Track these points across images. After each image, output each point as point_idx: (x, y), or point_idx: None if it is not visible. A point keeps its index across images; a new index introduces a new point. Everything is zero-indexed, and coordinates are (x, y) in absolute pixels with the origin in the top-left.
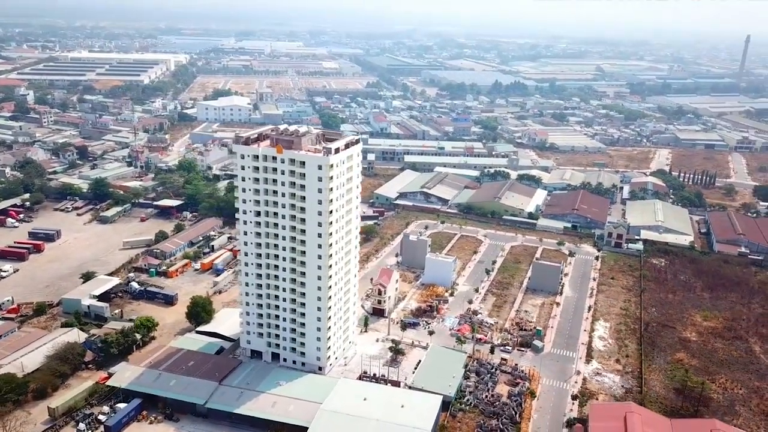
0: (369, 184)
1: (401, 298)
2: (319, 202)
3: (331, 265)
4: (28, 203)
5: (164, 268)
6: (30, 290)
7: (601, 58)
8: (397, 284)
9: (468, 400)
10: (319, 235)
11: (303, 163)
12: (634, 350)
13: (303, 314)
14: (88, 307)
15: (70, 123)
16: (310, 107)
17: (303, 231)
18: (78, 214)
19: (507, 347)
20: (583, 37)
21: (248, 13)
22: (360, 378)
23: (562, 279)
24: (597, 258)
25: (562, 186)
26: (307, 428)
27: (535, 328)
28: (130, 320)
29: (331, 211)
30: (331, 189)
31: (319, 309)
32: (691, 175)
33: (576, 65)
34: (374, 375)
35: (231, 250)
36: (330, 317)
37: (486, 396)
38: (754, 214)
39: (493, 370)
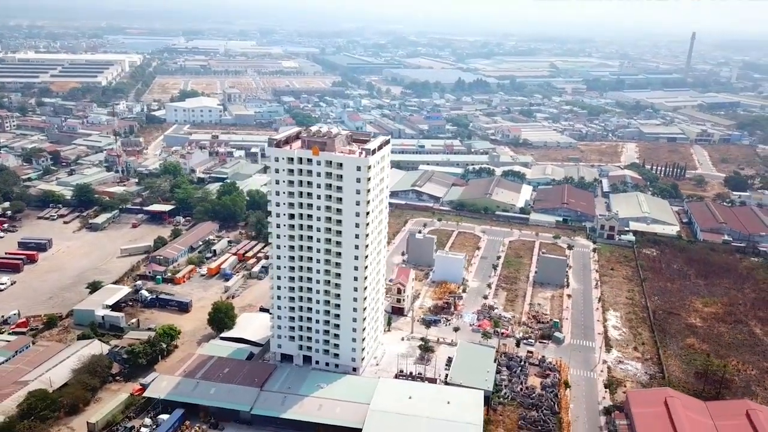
0: None
1: (416, 296)
2: (357, 203)
3: (366, 266)
4: (9, 212)
5: (169, 274)
6: (33, 303)
7: (552, 55)
8: (413, 283)
9: (505, 393)
10: (357, 236)
11: (340, 165)
12: (648, 338)
13: (337, 315)
14: (103, 317)
15: (34, 127)
16: (281, 107)
17: (339, 232)
18: (65, 222)
19: (530, 340)
20: (531, 35)
21: (191, 11)
22: (396, 377)
23: (567, 272)
24: (594, 250)
25: (546, 181)
26: (356, 429)
27: (551, 320)
28: (149, 329)
29: (368, 213)
30: (369, 190)
31: (354, 309)
32: (663, 168)
33: (530, 62)
34: (410, 373)
35: (235, 253)
36: (365, 318)
37: (521, 389)
38: (729, 204)
39: (523, 363)
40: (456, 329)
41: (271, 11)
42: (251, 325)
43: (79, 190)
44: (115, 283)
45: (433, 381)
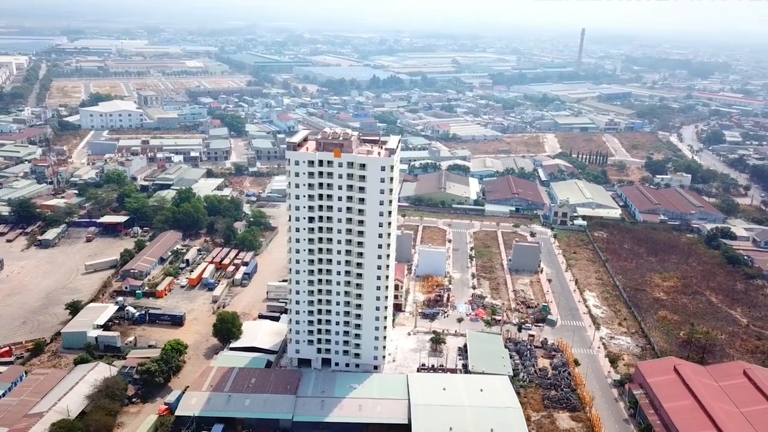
0: None
1: (407, 291)
2: (381, 203)
3: (389, 265)
4: None
5: (146, 288)
6: (6, 330)
7: (450, 51)
8: (406, 279)
9: (523, 377)
10: (380, 235)
11: (363, 165)
12: (627, 314)
13: (359, 315)
14: (96, 338)
15: None
16: (204, 109)
17: (360, 233)
18: (8, 241)
19: (527, 325)
20: (424, 31)
21: (63, 9)
22: (418, 371)
23: (540, 258)
24: (555, 236)
25: (488, 173)
26: (401, 425)
27: (539, 304)
28: (150, 347)
29: (390, 212)
30: (392, 189)
31: (377, 309)
32: (587, 156)
33: (433, 58)
34: (432, 366)
35: (212, 262)
36: (386, 316)
37: (535, 371)
38: (656, 186)
39: (529, 347)
40: (459, 320)
41: (149, 9)
42: (259, 333)
43: (19, 205)
44: (92, 301)
45: (453, 371)
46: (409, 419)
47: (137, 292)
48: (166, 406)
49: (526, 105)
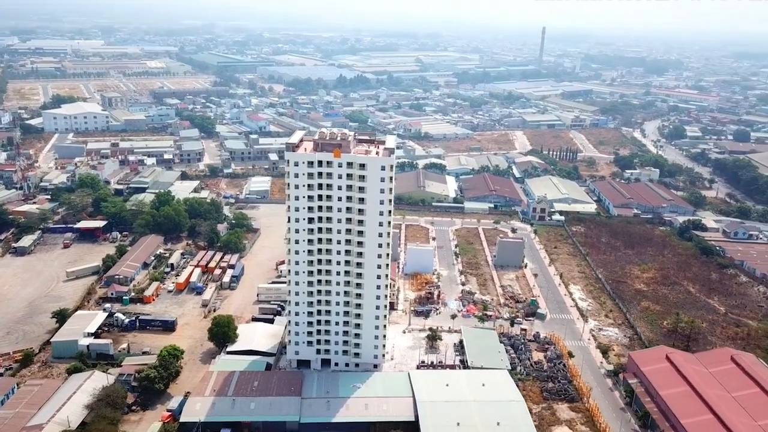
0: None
1: (398, 289)
2: (381, 202)
3: (388, 264)
4: None
5: (133, 294)
6: None
7: (411, 50)
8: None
9: (520, 370)
10: (380, 234)
11: (363, 165)
12: (612, 306)
13: (358, 315)
14: (88, 346)
15: None
16: (171, 110)
17: (360, 232)
18: None
19: (518, 319)
20: (383, 30)
21: (9, 8)
22: (418, 368)
23: (524, 253)
24: (535, 232)
25: (464, 171)
26: (409, 423)
27: (527, 299)
28: (145, 353)
29: (390, 211)
30: (392, 189)
31: (377, 307)
32: (557, 152)
33: (396, 57)
34: (431, 363)
35: (197, 265)
36: (386, 315)
37: (530, 364)
38: (626, 181)
39: (523, 341)
40: (453, 316)
41: (99, 8)
42: (255, 336)
43: None
44: (78, 309)
45: (452, 367)
46: (416, 416)
47: (124, 298)
48: (169, 413)
49: (492, 103)
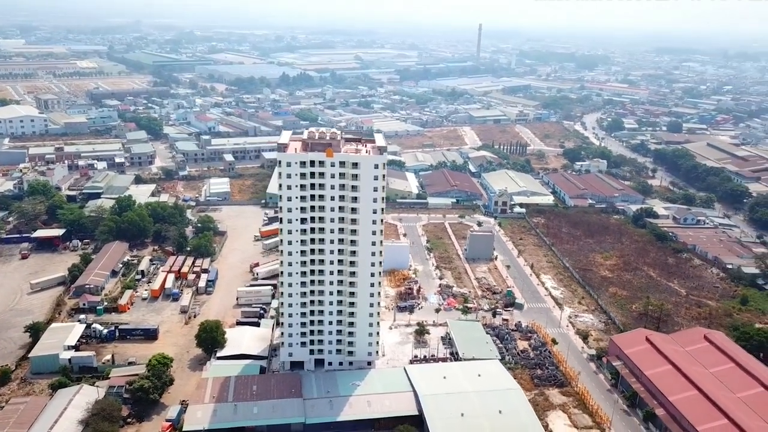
0: (246, 186)
1: None
2: (374, 200)
3: (381, 261)
4: None
5: (106, 303)
6: None
7: (348, 47)
8: None
9: (508, 359)
10: (374, 233)
11: (355, 165)
12: (583, 293)
13: (352, 314)
14: (70, 360)
15: None
16: (113, 112)
17: (354, 231)
18: None
19: (498, 310)
20: (315, 28)
21: None
22: (411, 362)
23: (494, 246)
24: (499, 224)
25: (422, 167)
26: (412, 416)
27: (503, 290)
28: (131, 363)
29: (382, 209)
30: (383, 188)
31: (371, 305)
32: (508, 146)
33: (335, 55)
34: (424, 357)
35: (170, 271)
36: (379, 312)
37: (517, 353)
38: (578, 173)
39: (507, 330)
40: (437, 310)
41: (13, 6)
42: (243, 340)
43: None
44: (50, 321)
45: (444, 360)
46: (419, 410)
47: (98, 308)
48: (169, 423)
49: (438, 99)
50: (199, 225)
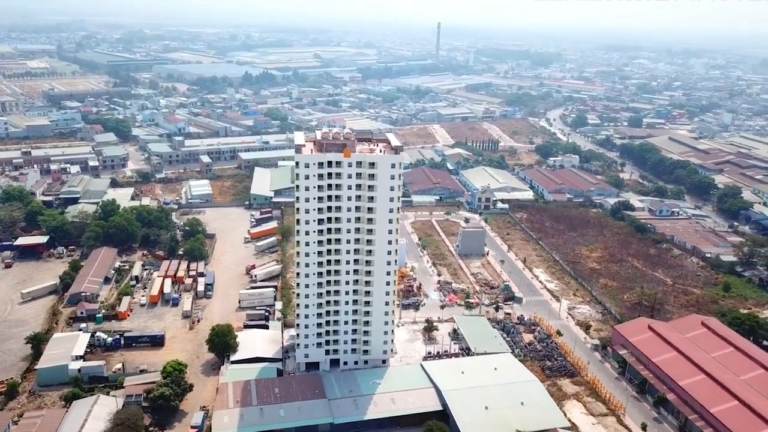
0: (226, 187)
1: None
2: (391, 200)
3: (396, 260)
4: None
5: (105, 311)
6: None
7: (304, 45)
8: None
9: (517, 352)
10: (390, 231)
11: (373, 164)
12: (576, 285)
13: (367, 312)
14: (79, 370)
15: None
16: (77, 114)
17: (370, 230)
18: None
19: (499, 304)
20: (268, 25)
21: None
22: (425, 359)
23: (485, 241)
24: (485, 220)
25: (403, 165)
26: (436, 412)
27: (500, 285)
28: (142, 371)
29: (399, 208)
30: (400, 187)
31: (387, 303)
32: (481, 144)
33: (294, 53)
34: (437, 353)
35: (166, 276)
36: (393, 310)
37: (524, 345)
38: (552, 168)
39: (512, 324)
40: (442, 307)
41: None
42: (255, 343)
43: None
44: (48, 331)
45: (457, 356)
46: (443, 405)
47: (97, 316)
48: (195, 429)
49: (404, 98)
50: (187, 228)
